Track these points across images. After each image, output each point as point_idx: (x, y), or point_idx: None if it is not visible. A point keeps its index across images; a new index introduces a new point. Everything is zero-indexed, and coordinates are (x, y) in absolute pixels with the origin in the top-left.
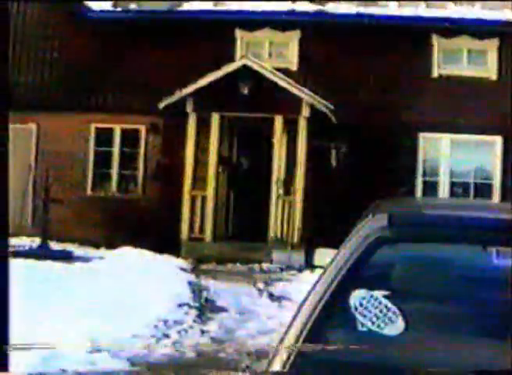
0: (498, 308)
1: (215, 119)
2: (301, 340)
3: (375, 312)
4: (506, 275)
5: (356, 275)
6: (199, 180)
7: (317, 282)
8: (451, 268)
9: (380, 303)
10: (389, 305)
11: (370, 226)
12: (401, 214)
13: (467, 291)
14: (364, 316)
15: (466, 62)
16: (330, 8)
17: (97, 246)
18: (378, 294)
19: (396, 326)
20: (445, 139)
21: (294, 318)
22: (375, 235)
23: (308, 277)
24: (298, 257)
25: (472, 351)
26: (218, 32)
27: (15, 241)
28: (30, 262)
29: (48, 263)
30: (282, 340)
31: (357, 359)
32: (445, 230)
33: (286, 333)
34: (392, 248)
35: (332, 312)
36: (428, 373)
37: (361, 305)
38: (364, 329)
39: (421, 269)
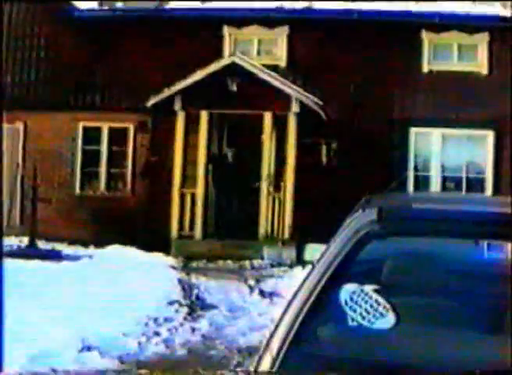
0: (489, 301)
1: (204, 116)
2: (291, 335)
3: (366, 306)
4: (497, 268)
5: (346, 270)
6: (188, 178)
7: (306, 277)
8: (441, 262)
9: (370, 298)
10: (380, 299)
11: (359, 220)
12: (390, 208)
13: (457, 285)
14: (355, 311)
15: (456, 57)
16: (319, 4)
17: (86, 245)
18: (369, 288)
19: (386, 321)
20: (436, 134)
21: (284, 313)
22: (365, 230)
23: (300, 273)
24: (289, 253)
25: (463, 344)
26: (206, 29)
27: (3, 241)
28: (19, 261)
29: (37, 263)
30: (271, 335)
31: (348, 354)
32: (434, 224)
33: (275, 328)
34: (381, 242)
35: (322, 307)
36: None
37: (352, 299)
38: (355, 323)
39: (410, 264)
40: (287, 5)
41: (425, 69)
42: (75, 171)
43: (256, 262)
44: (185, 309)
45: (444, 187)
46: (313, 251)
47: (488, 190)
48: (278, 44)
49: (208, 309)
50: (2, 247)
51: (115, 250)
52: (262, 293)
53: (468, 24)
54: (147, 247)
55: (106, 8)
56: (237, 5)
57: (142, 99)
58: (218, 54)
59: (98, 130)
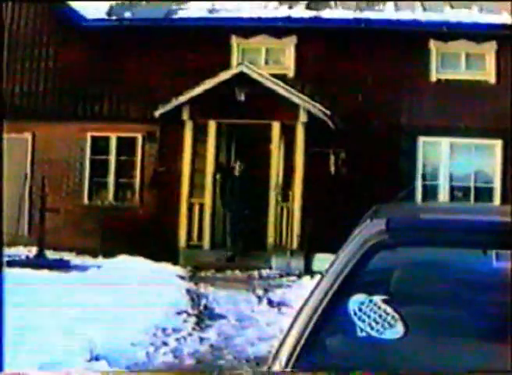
0: (498, 311)
1: (212, 126)
2: (300, 346)
3: (374, 316)
4: (506, 278)
5: (354, 280)
6: (196, 188)
7: (315, 288)
8: (450, 272)
9: (379, 308)
10: (388, 309)
11: (368, 230)
12: (399, 219)
13: (466, 295)
14: (363, 321)
15: (464, 65)
16: (326, 13)
17: (94, 255)
18: (377, 298)
19: (395, 331)
20: (444, 143)
21: (292, 324)
22: (374, 240)
23: (308, 283)
24: (297, 263)
25: (472, 354)
26: (214, 39)
27: (11, 251)
28: (27, 271)
29: (45, 272)
30: (280, 346)
31: (357, 365)
32: (443, 234)
33: (284, 339)
34: (390, 252)
35: (331, 317)
36: None
37: (360, 310)
38: (363, 334)
39: (419, 274)
40: (295, 14)
41: (433, 78)
42: (83, 181)
43: (264, 272)
44: (193, 319)
45: (452, 197)
46: (321, 260)
47: (497, 199)
48: (286, 54)
49: (216, 319)
50: (3, 253)
51: (123, 260)
52: (271, 303)
53: (476, 33)
54: (156, 257)
55: (114, 18)
56: (245, 14)
57: (150, 109)
58: (226, 63)
59: (106, 139)
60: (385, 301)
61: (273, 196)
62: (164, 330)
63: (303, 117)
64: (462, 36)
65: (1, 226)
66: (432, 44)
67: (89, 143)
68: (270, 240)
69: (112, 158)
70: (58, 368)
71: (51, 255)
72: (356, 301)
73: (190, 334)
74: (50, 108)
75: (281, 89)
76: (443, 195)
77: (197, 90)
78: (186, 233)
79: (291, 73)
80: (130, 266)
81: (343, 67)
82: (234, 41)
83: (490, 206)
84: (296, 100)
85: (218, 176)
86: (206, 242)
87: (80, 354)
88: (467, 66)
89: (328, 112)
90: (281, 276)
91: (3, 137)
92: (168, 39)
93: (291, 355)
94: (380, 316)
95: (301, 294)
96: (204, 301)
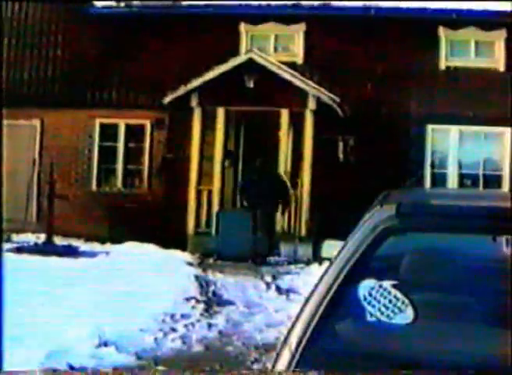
0: (507, 297)
1: (221, 113)
2: (309, 331)
3: (384, 302)
4: None
5: (364, 265)
6: (205, 175)
7: (325, 273)
8: (460, 257)
9: (389, 293)
10: (398, 294)
11: (378, 216)
12: (409, 204)
13: (475, 281)
14: (373, 306)
15: (473, 53)
16: (335, 0)
17: (102, 241)
18: (387, 284)
19: (405, 316)
20: (453, 130)
21: (302, 309)
22: (383, 225)
23: (316, 270)
24: (306, 250)
25: (481, 340)
26: (222, 26)
27: (20, 237)
28: (36, 258)
29: (54, 259)
30: (290, 332)
31: (367, 350)
32: (453, 220)
33: (293, 324)
34: (400, 238)
35: (341, 302)
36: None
37: (370, 295)
38: (373, 319)
39: (429, 259)
40: (304, 1)
41: (443, 65)
42: (92, 167)
43: (272, 259)
44: (202, 305)
45: (461, 185)
46: (329, 247)
47: (506, 187)
48: (295, 41)
49: (224, 306)
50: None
51: (131, 246)
52: (279, 289)
53: (485, 20)
54: (164, 243)
55: (123, 5)
56: (254, 1)
57: (159, 96)
58: (235, 50)
59: (115, 126)
60: (395, 287)
61: None
62: (172, 316)
63: (312, 104)
64: (471, 23)
65: (0, 211)
66: (442, 32)
67: (97, 130)
68: (278, 227)
69: (121, 145)
70: (68, 354)
71: (59, 241)
72: (366, 286)
73: (198, 320)
74: (59, 95)
75: (290, 76)
76: (452, 183)
77: (206, 77)
78: (194, 220)
79: (300, 60)
80: (138, 253)
81: (352, 54)
82: (243, 27)
83: (500, 192)
84: (305, 87)
85: (226, 163)
86: (214, 229)
87: (88, 340)
88: (477, 53)
89: (337, 99)
90: (289, 262)
91: (3, 123)
92: (177, 26)
93: (301, 339)
94: (390, 301)
95: (309, 281)
96: (212, 288)
